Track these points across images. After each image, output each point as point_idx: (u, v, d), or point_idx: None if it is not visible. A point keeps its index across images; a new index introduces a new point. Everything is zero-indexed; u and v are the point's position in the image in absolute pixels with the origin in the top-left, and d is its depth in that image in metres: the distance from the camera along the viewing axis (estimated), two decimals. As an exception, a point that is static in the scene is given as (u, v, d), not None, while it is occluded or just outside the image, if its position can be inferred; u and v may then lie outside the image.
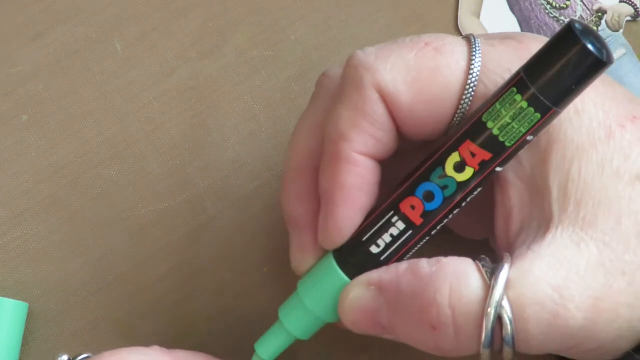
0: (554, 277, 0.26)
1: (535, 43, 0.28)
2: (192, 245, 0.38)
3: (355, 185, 0.29)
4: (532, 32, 0.41)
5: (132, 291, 0.37)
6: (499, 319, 0.26)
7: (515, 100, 0.26)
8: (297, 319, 0.31)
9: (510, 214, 0.29)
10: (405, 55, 0.28)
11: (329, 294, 0.30)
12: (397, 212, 0.28)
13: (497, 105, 0.26)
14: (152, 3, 0.40)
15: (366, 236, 0.29)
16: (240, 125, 0.39)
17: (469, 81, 0.28)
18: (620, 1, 0.42)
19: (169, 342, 0.37)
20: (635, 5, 0.42)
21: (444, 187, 0.28)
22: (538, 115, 0.25)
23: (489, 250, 0.31)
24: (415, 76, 0.28)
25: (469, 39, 0.29)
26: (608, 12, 0.42)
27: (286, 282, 0.38)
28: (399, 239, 0.29)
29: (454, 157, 0.27)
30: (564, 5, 0.41)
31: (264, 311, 0.37)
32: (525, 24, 0.41)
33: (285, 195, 0.32)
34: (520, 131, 0.26)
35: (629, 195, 0.26)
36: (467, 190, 0.28)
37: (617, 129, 0.27)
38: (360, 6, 0.41)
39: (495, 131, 0.26)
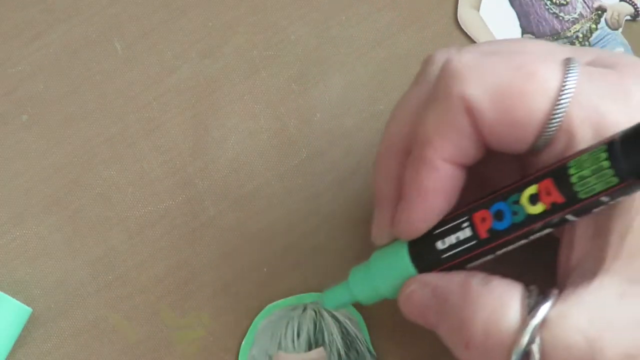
0: (589, 328, 0.26)
1: (638, 78, 0.27)
2: (192, 245, 0.38)
3: (434, 189, 0.29)
4: (531, 26, 0.41)
5: (132, 291, 0.37)
6: (528, 353, 0.27)
7: (600, 157, 0.26)
8: (361, 285, 0.33)
9: (572, 243, 0.29)
10: (498, 73, 0.28)
11: (393, 274, 0.31)
12: (469, 219, 0.29)
13: (585, 156, 0.26)
14: (152, 3, 0.40)
15: (438, 230, 0.30)
16: (240, 125, 0.39)
17: (554, 114, 0.28)
18: (620, 0, 0.42)
19: (169, 343, 0.37)
20: (636, 5, 0.42)
21: (514, 213, 0.28)
22: (615, 179, 0.25)
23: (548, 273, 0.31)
24: (502, 97, 0.28)
25: (567, 63, 0.28)
26: (608, 10, 0.42)
27: (286, 282, 0.38)
28: (462, 245, 0.30)
29: (532, 189, 0.28)
30: (564, 2, 0.41)
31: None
32: (525, 18, 0.41)
33: (376, 174, 0.33)
34: (594, 188, 0.26)
35: None
36: (533, 225, 0.28)
37: None
38: (360, 6, 0.41)
39: (574, 179, 0.26)
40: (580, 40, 0.41)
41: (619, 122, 0.27)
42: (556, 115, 0.27)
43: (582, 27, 0.41)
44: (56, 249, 0.38)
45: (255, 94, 0.40)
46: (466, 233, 0.29)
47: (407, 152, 0.31)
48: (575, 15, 0.41)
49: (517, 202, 0.28)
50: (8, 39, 0.39)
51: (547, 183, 0.27)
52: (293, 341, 0.36)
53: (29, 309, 0.36)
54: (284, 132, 0.39)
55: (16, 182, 0.38)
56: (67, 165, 0.38)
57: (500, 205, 0.28)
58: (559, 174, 0.27)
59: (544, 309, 0.27)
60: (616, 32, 0.41)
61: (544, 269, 0.30)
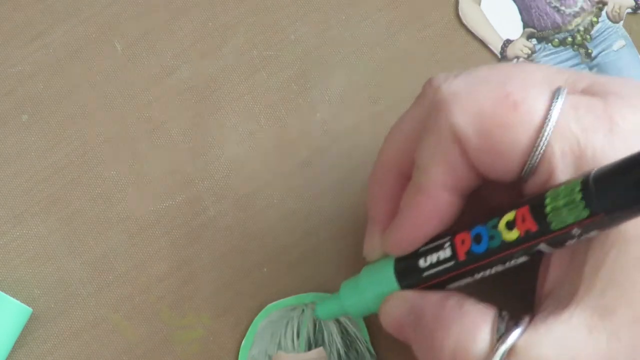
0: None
1: (626, 108, 0.27)
2: (192, 245, 0.38)
3: (427, 216, 0.30)
4: (532, 21, 0.41)
5: (132, 291, 0.37)
6: None
7: (574, 190, 0.26)
8: (351, 298, 0.33)
9: (548, 269, 0.29)
10: (482, 102, 0.28)
11: (379, 289, 0.32)
12: (451, 240, 0.30)
13: (562, 188, 0.26)
14: (152, 3, 0.40)
15: (423, 249, 0.31)
16: (240, 125, 0.39)
17: (536, 146, 0.28)
18: (621, -7, 0.42)
19: (169, 343, 0.37)
20: (637, -2, 0.42)
21: (491, 238, 0.28)
22: (586, 212, 0.26)
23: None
24: (487, 128, 0.28)
25: (555, 93, 0.28)
26: (609, 3, 0.42)
27: (286, 282, 0.38)
28: (442, 265, 0.30)
29: (510, 215, 0.28)
30: (566, -4, 0.42)
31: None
32: (526, 12, 0.41)
33: (370, 189, 0.34)
34: (566, 220, 0.26)
35: None
36: (508, 251, 0.28)
37: None
38: (361, 6, 0.41)
39: (548, 209, 0.27)
40: (582, 33, 0.41)
41: (600, 154, 0.27)
42: (538, 148, 0.28)
43: (583, 20, 0.41)
44: (56, 249, 0.38)
45: (255, 94, 0.40)
46: (446, 253, 0.30)
47: (401, 173, 0.32)
48: (576, 9, 0.41)
49: (495, 226, 0.28)
50: (8, 39, 0.39)
51: (524, 210, 0.27)
52: (293, 341, 0.36)
53: (29, 309, 0.36)
54: (284, 132, 0.39)
55: (16, 182, 0.38)
56: (67, 165, 0.38)
57: (479, 229, 0.29)
58: (536, 202, 0.27)
59: (513, 336, 0.27)
60: (617, 25, 0.41)
61: (525, 290, 0.30)
